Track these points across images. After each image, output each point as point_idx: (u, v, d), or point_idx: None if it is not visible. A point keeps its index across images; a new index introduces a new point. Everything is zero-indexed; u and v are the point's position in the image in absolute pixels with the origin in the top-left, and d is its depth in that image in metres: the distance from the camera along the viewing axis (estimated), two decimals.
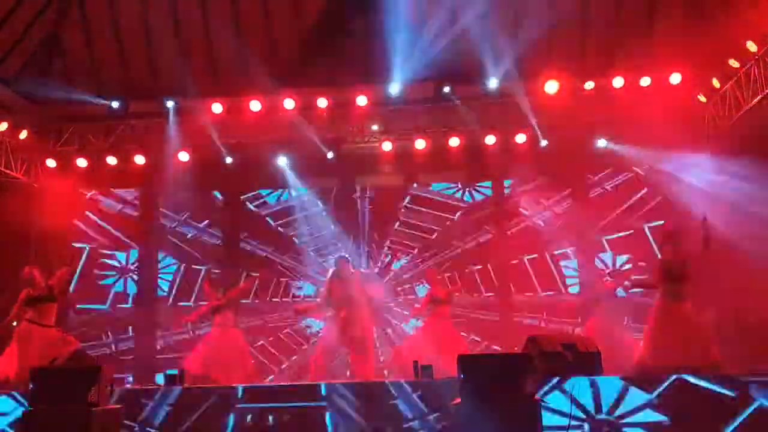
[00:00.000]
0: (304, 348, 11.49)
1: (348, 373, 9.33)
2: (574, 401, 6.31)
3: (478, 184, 12.02)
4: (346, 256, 9.12)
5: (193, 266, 12.04)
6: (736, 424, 6.17)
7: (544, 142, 10.95)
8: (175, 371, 8.01)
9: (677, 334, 7.76)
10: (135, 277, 12.07)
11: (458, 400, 5.69)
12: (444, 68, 11.25)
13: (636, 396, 6.37)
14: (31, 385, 5.89)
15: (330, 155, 11.30)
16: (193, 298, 11.73)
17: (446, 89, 10.74)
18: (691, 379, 6.38)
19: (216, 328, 9.41)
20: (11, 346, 8.26)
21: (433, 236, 11.90)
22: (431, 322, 9.78)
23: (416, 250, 11.88)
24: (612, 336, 9.20)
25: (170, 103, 10.98)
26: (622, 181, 11.73)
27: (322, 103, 10.77)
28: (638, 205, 11.58)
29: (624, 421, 6.31)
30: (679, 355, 7.56)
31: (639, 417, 6.31)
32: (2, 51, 10.73)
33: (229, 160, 11.43)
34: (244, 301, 11.23)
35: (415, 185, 12.07)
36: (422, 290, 11.45)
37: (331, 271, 8.99)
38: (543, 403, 5.84)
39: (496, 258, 11.69)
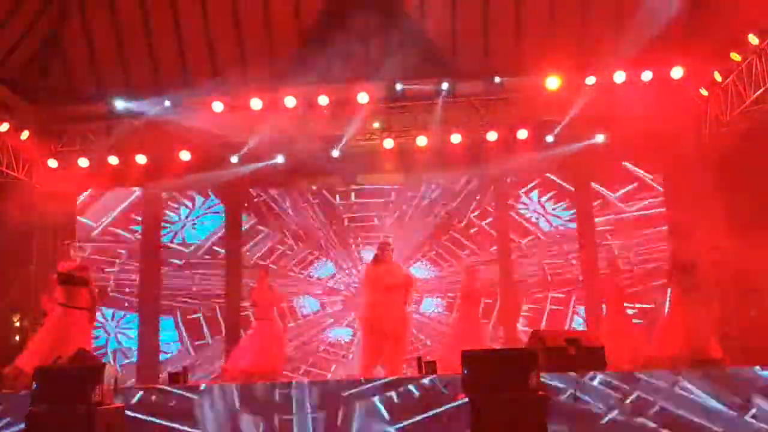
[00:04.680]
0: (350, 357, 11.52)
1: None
2: None
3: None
4: (389, 239, 9.06)
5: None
6: None
7: (549, 138, 10.95)
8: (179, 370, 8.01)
9: (685, 328, 7.92)
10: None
11: (462, 396, 5.69)
12: (445, 64, 11.27)
13: None
14: (34, 385, 5.88)
15: (335, 153, 11.28)
16: None
17: (445, 84, 10.70)
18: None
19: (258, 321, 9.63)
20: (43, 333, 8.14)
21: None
22: (463, 317, 9.94)
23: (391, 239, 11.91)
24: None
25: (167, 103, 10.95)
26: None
27: (323, 100, 10.74)
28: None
29: None
30: (685, 347, 7.73)
31: None
32: (3, 52, 10.72)
33: (230, 158, 11.43)
34: None
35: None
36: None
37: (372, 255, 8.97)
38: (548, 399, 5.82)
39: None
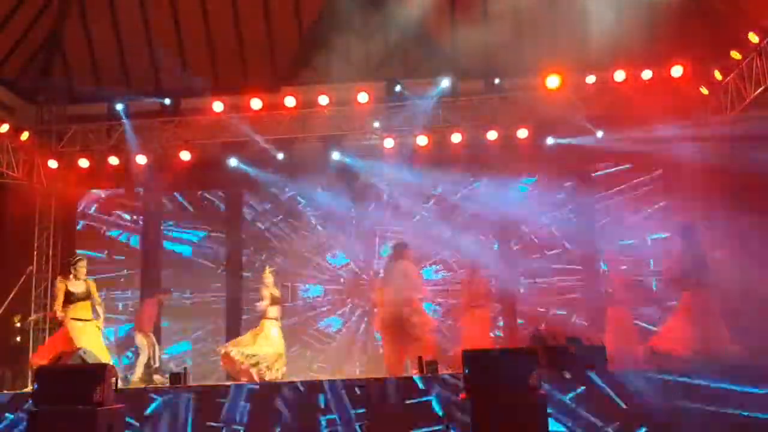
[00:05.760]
0: (333, 345, 11.57)
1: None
2: None
3: None
4: (404, 240, 9.67)
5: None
6: None
7: (550, 140, 10.97)
8: (180, 371, 8.03)
9: (702, 324, 8.03)
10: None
11: (463, 395, 5.69)
12: (446, 64, 11.26)
13: None
14: (35, 385, 5.90)
15: (335, 154, 11.28)
16: None
17: (446, 84, 10.70)
18: None
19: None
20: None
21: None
22: (468, 321, 9.91)
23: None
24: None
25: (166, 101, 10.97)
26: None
27: (324, 100, 10.75)
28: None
29: None
30: (703, 342, 7.84)
31: None
32: (3, 52, 10.73)
33: (229, 159, 11.44)
34: None
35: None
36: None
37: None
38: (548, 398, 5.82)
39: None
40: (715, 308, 8.38)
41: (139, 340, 10.33)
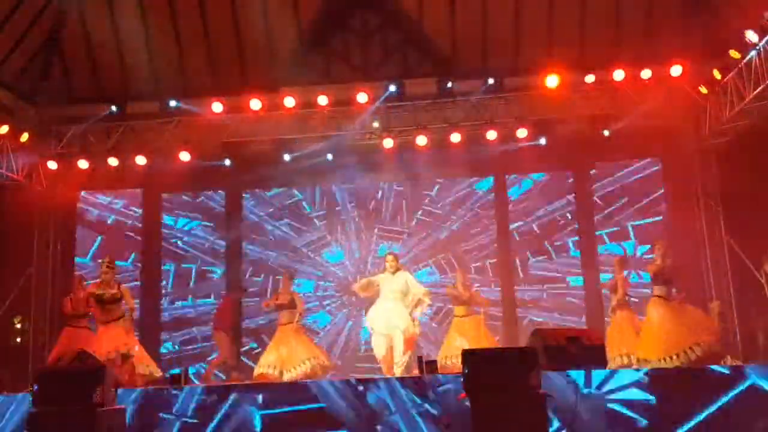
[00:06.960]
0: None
1: None
2: None
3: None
4: (393, 252, 9.66)
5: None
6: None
7: (546, 140, 10.98)
8: (178, 371, 8.03)
9: (675, 326, 8.10)
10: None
11: (463, 395, 5.68)
12: (444, 64, 11.27)
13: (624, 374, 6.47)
14: (35, 387, 5.89)
15: (329, 155, 11.29)
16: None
17: (448, 84, 10.72)
18: None
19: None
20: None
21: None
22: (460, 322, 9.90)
23: (405, 236, 11.95)
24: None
25: (172, 103, 10.94)
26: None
27: (323, 100, 10.74)
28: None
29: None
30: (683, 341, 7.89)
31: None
32: (2, 53, 10.71)
33: (228, 160, 11.45)
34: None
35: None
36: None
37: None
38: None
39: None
40: (690, 311, 8.52)
41: (219, 338, 10.41)
